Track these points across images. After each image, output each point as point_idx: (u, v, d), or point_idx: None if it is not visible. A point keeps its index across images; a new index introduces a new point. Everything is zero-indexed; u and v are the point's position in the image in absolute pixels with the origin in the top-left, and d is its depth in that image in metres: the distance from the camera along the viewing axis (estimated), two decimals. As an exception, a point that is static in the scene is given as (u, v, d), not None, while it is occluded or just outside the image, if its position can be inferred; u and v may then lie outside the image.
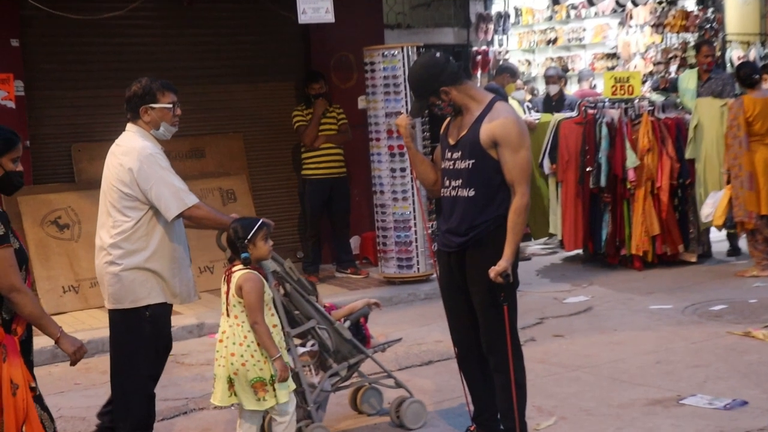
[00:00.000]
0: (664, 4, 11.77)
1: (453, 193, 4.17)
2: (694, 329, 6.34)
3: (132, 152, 4.20)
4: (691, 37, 11.64)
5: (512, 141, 4.03)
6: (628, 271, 8.34)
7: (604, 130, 8.23)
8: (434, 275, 7.57)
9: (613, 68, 12.21)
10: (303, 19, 7.36)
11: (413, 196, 7.79)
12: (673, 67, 11.55)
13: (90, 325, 6.94)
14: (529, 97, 10.83)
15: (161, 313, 4.28)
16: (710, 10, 11.85)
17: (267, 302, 4.06)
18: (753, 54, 11.80)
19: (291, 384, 4.12)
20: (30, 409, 3.34)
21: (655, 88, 10.05)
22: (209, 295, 7.36)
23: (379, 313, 4.95)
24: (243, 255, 4.03)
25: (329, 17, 7.43)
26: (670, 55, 11.70)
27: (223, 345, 4.04)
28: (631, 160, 8.11)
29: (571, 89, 11.54)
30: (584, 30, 13.16)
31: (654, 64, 11.80)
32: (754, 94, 7.83)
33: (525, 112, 9.36)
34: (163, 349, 4.37)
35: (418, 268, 7.93)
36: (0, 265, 3.32)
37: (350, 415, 4.99)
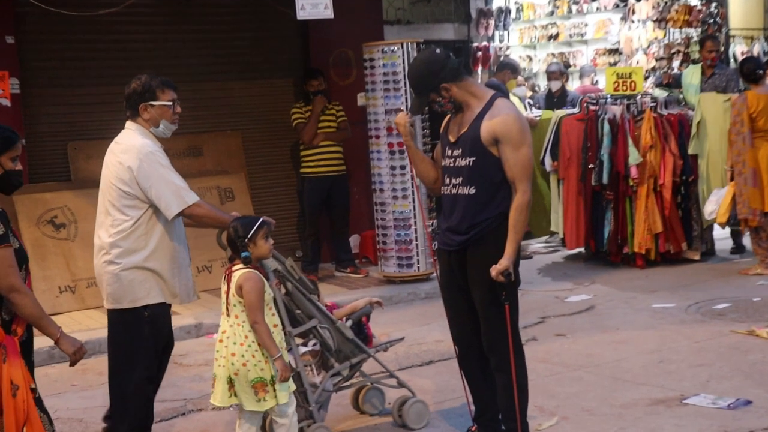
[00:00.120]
0: (666, -1, 11.79)
1: (453, 191, 4.17)
2: (698, 328, 6.35)
3: (131, 150, 4.20)
4: (694, 32, 11.64)
5: (513, 138, 4.03)
6: (630, 270, 8.34)
7: (606, 127, 8.23)
8: (434, 274, 7.58)
9: (615, 64, 12.22)
10: (301, 15, 7.36)
11: (413, 194, 7.79)
12: (675, 63, 11.55)
13: (87, 326, 6.95)
14: (529, 93, 10.83)
15: (160, 313, 4.28)
16: (713, 4, 11.85)
17: (267, 302, 4.07)
18: (757, 49, 11.80)
19: (291, 385, 4.12)
20: (31, 410, 3.34)
21: (659, 84, 10.05)
22: (207, 294, 7.37)
23: (379, 313, 4.96)
24: (243, 254, 4.03)
25: (328, 13, 7.43)
26: (673, 51, 11.71)
27: (223, 345, 4.04)
28: (634, 157, 8.12)
29: (573, 85, 11.54)
30: (586, 25, 13.15)
31: (656, 60, 11.80)
32: (758, 90, 7.83)
33: (526, 109, 9.36)
34: (163, 350, 4.37)
35: (419, 267, 7.93)
36: (0, 265, 3.33)
37: (352, 415, 5.00)
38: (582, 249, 8.90)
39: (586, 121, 8.41)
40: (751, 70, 7.93)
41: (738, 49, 11.78)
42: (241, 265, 4.04)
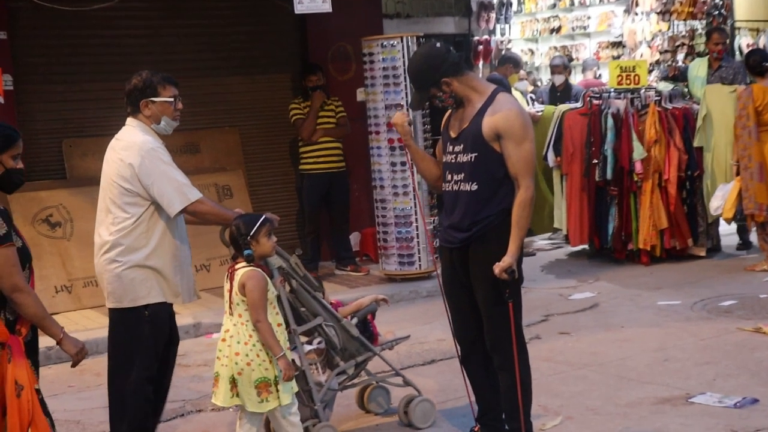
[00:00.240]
0: (670, -9, 11.77)
1: (455, 187, 4.17)
2: (703, 325, 6.35)
3: (133, 147, 4.21)
4: (699, 25, 11.62)
5: (515, 133, 4.03)
6: (635, 266, 8.35)
7: (610, 122, 8.23)
8: (435, 272, 7.59)
9: (618, 57, 12.21)
10: (299, 9, 7.36)
11: (414, 190, 7.79)
12: (680, 56, 11.54)
13: (84, 326, 6.95)
14: (531, 88, 10.83)
15: (161, 312, 4.29)
16: (718, -4, 11.83)
17: (271, 300, 4.07)
18: (762, 41, 11.78)
19: (294, 386, 4.13)
20: (36, 411, 3.36)
21: (664, 77, 10.03)
22: (206, 294, 7.36)
23: (380, 311, 4.97)
24: (246, 252, 4.04)
25: (326, 7, 7.43)
26: (678, 43, 11.70)
27: (226, 344, 4.05)
28: (638, 151, 8.11)
29: (575, 79, 11.54)
30: (589, 18, 13.14)
31: (661, 53, 11.79)
32: (764, 83, 7.82)
33: (528, 104, 9.36)
34: (168, 346, 4.37)
35: (420, 265, 7.94)
36: (2, 264, 3.34)
37: (357, 414, 5.01)
38: (586, 246, 8.90)
39: (590, 116, 8.40)
40: (756, 63, 7.92)
41: (744, 42, 11.76)
42: (244, 264, 4.05)
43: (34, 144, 7.90)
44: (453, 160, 4.17)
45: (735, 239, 8.83)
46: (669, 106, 8.44)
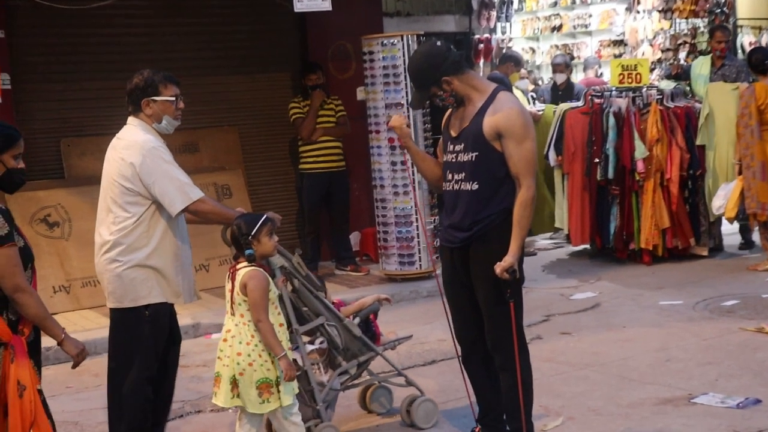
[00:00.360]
0: (672, -12, 11.76)
1: (456, 186, 4.17)
2: (706, 325, 6.35)
3: (134, 146, 4.21)
4: (701, 23, 11.62)
5: (516, 132, 4.03)
6: (636, 266, 8.35)
7: (612, 120, 8.23)
8: (435, 273, 7.58)
9: (620, 56, 12.21)
10: (299, 7, 7.36)
11: (414, 190, 7.79)
12: (682, 54, 11.54)
13: (82, 326, 6.95)
14: (531, 87, 10.82)
15: (161, 312, 4.30)
16: (721, -6, 11.82)
17: (273, 300, 4.07)
18: (765, 39, 11.77)
19: (295, 387, 4.13)
20: (38, 411, 3.36)
21: (667, 76, 10.02)
22: (205, 294, 7.36)
23: (381, 311, 4.97)
24: (247, 252, 4.04)
25: (326, 5, 7.43)
26: (679, 42, 11.69)
27: (227, 344, 4.05)
28: (640, 150, 8.11)
29: (576, 77, 11.54)
30: (590, 16, 13.14)
31: (662, 51, 11.78)
32: (766, 81, 7.82)
33: (529, 103, 9.36)
34: (165, 349, 4.37)
35: (420, 265, 7.94)
36: (4, 264, 3.34)
37: (359, 415, 5.02)
38: (587, 245, 8.90)
39: (591, 115, 8.40)
40: (759, 61, 7.91)
41: (746, 40, 11.75)
42: (245, 263, 4.05)
43: (32, 143, 7.88)
44: (454, 160, 4.17)
45: (737, 239, 8.83)
46: (671, 104, 8.44)
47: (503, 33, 12.23)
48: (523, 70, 10.73)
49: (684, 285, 7.57)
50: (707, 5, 11.53)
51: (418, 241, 7.89)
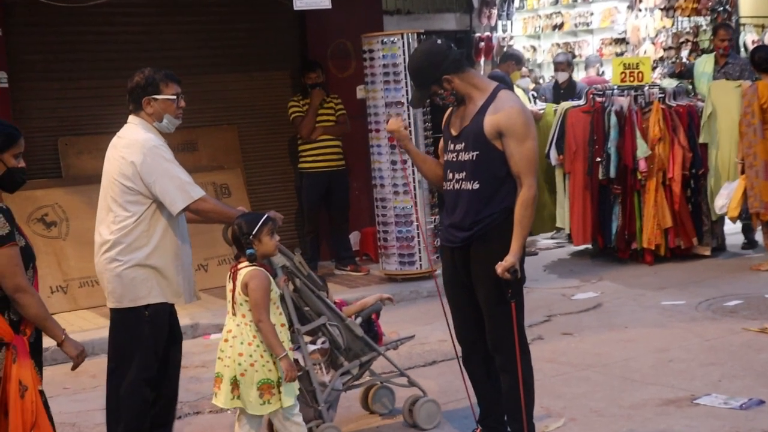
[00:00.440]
0: (674, -14, 11.75)
1: (456, 186, 4.16)
2: (708, 326, 6.34)
3: (135, 145, 4.21)
4: (703, 21, 11.61)
5: (518, 131, 4.02)
6: (639, 266, 8.34)
7: (613, 119, 8.22)
8: (433, 275, 7.57)
9: (621, 54, 12.20)
10: (298, 5, 7.35)
11: (414, 189, 7.78)
12: (684, 52, 11.53)
13: (79, 327, 6.95)
14: (532, 86, 10.81)
15: (161, 313, 4.30)
16: (723, -8, 11.82)
17: (274, 300, 4.07)
18: (768, 38, 11.78)
19: (296, 388, 4.12)
20: (39, 413, 3.36)
21: (671, 74, 10.00)
22: (204, 294, 7.33)
23: (381, 312, 4.97)
24: (248, 251, 4.04)
25: (326, 3, 7.43)
26: (682, 40, 11.68)
27: (228, 345, 4.04)
28: (642, 149, 8.11)
29: (578, 76, 11.54)
30: (591, 14, 13.14)
31: (664, 50, 11.78)
32: (770, 80, 7.81)
33: (530, 101, 9.35)
34: (165, 349, 4.37)
35: (421, 265, 7.93)
36: (5, 264, 3.34)
37: (362, 415, 5.01)
38: (589, 245, 8.89)
39: (593, 113, 8.39)
40: (762, 59, 7.90)
41: (749, 38, 11.75)
42: (246, 263, 4.05)
43: (30, 142, 7.71)
44: (454, 159, 4.17)
45: (740, 238, 8.83)
46: (673, 103, 8.43)
47: (504, 31, 12.22)
48: (524, 69, 10.72)
49: (686, 285, 7.56)
50: (710, 3, 11.53)
51: (419, 241, 7.88)
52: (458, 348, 4.41)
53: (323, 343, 4.61)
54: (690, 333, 6.20)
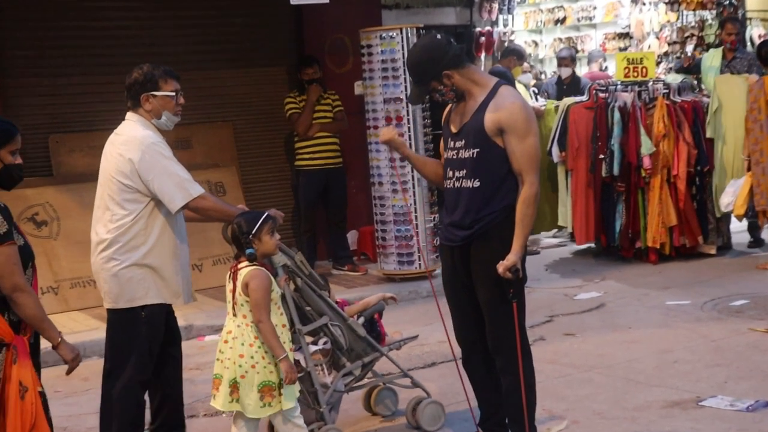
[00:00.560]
0: (679, -20, 11.76)
1: (457, 184, 4.16)
2: (714, 326, 6.35)
3: (133, 141, 4.22)
4: (709, 15, 11.62)
5: (519, 128, 4.02)
6: (643, 265, 8.34)
7: (617, 115, 8.22)
8: (437, 271, 7.57)
9: (625, 49, 12.20)
10: (295, 0, 7.35)
11: (413, 187, 7.79)
12: (689, 47, 11.54)
13: (71, 329, 6.94)
14: (533, 81, 10.81)
15: (158, 314, 4.31)
16: (729, -15, 11.82)
17: (275, 300, 4.07)
18: (775, 32, 11.79)
19: (297, 390, 4.12)
20: (38, 414, 3.37)
21: (679, 69, 9.97)
22: (198, 294, 7.33)
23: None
24: (248, 251, 4.04)
25: (323, -3, 7.42)
26: (687, 34, 11.69)
27: (228, 346, 4.04)
28: (646, 146, 8.11)
29: (580, 71, 11.54)
30: (594, 8, 13.14)
31: (669, 44, 11.79)
32: (777, 75, 7.82)
33: (531, 97, 9.35)
34: (163, 349, 4.38)
35: (420, 264, 7.93)
36: (3, 263, 3.35)
37: (364, 417, 5.02)
38: (592, 244, 8.90)
39: (596, 109, 8.40)
40: (769, 54, 7.91)
41: (755, 32, 11.76)
42: (247, 263, 4.04)
43: (20, 140, 7.89)
44: (454, 156, 4.17)
45: (746, 237, 8.83)
46: (678, 99, 8.43)
47: (505, 26, 12.24)
48: (525, 64, 10.72)
49: (691, 284, 7.56)
50: (715, -3, 11.54)
51: (418, 240, 7.88)
52: (457, 349, 4.41)
53: (325, 343, 4.61)
54: (695, 333, 6.20)
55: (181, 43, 8.50)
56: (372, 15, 9.06)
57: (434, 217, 7.88)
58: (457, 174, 4.16)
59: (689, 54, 11.29)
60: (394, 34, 7.80)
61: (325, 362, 4.64)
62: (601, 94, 8.46)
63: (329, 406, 4.51)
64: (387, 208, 7.94)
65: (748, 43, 11.55)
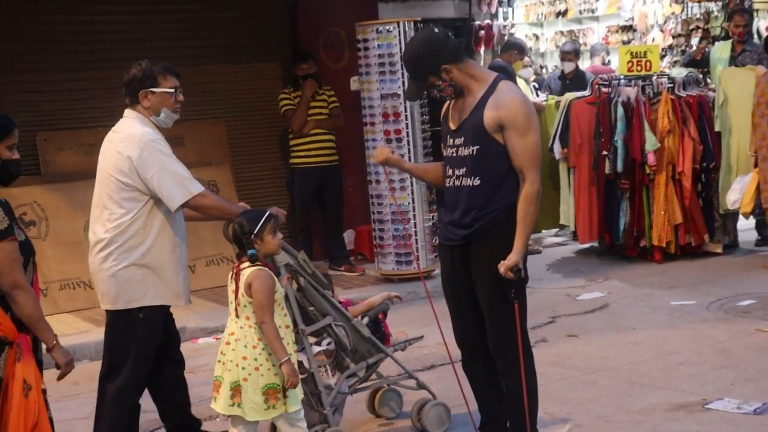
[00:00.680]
0: (684, -29, 11.77)
1: (457, 182, 4.17)
2: (720, 327, 6.36)
3: (131, 139, 4.23)
4: (715, 7, 11.62)
5: (519, 124, 4.03)
6: (647, 264, 8.36)
7: (620, 111, 8.23)
8: (436, 271, 7.59)
9: (628, 42, 12.21)
10: (289, -7, 7.37)
11: (412, 185, 7.79)
12: (694, 40, 11.54)
13: (60, 332, 6.83)
14: (534, 76, 10.82)
15: (155, 316, 4.32)
16: (735, -25, 11.82)
17: (279, 301, 4.08)
18: (782, 24, 11.79)
19: (301, 392, 4.14)
20: (41, 413, 3.39)
21: (688, 62, 9.94)
22: (191, 296, 7.35)
23: (380, 312, 5.00)
24: (250, 251, 4.04)
25: (318, -10, 7.43)
26: (692, 27, 11.69)
27: (230, 348, 4.05)
28: (651, 142, 8.12)
29: (583, 65, 11.55)
30: (597, 0, 13.14)
31: (674, 37, 11.79)
32: (784, 68, 7.83)
33: (532, 92, 9.36)
34: (162, 351, 4.39)
35: (418, 264, 7.94)
36: (4, 259, 3.36)
37: (368, 419, 5.03)
38: (595, 243, 8.91)
39: (598, 105, 8.40)
40: (776, 47, 7.93)
41: (762, 24, 11.76)
42: (249, 263, 4.05)
43: (6, 138, 7.88)
44: (454, 154, 4.18)
45: (753, 235, 8.85)
46: (683, 93, 8.44)
47: (505, 19, 12.23)
48: (526, 58, 10.73)
49: (697, 284, 7.58)
50: (721, -12, 11.54)
51: (416, 239, 7.89)
52: (455, 352, 4.42)
53: (329, 344, 4.62)
54: (701, 334, 6.22)
55: (172, 37, 8.49)
56: (368, 8, 9.07)
57: (432, 216, 7.89)
58: (456, 172, 4.17)
59: (694, 47, 11.29)
60: (391, 27, 7.82)
61: (329, 363, 4.65)
62: (604, 89, 8.47)
63: (333, 407, 4.52)
64: (384, 207, 7.96)
65: (755, 35, 11.56)
